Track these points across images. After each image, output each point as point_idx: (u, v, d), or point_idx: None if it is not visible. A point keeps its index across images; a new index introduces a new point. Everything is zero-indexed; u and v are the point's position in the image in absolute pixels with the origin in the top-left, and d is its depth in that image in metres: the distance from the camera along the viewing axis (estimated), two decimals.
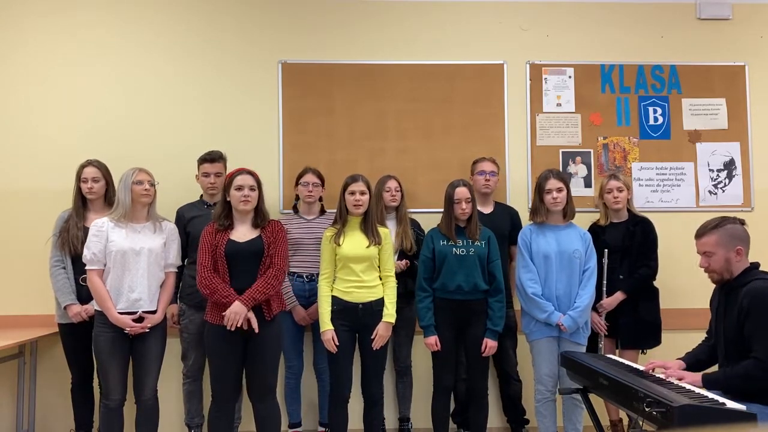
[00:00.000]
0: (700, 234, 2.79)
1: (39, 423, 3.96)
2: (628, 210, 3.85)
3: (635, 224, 3.78)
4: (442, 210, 3.48)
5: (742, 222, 2.77)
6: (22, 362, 3.86)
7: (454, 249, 3.40)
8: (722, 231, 2.73)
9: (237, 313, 3.02)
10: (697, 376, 2.64)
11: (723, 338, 2.73)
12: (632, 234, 3.75)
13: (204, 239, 3.17)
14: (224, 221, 3.17)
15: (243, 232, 3.18)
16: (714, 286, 2.86)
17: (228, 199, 3.18)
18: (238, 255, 3.11)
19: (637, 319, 3.69)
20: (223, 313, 3.04)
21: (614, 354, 3.62)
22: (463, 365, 3.62)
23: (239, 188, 3.14)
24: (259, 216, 3.21)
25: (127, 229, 3.22)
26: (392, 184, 3.83)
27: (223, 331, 3.07)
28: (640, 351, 3.74)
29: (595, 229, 3.82)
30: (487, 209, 3.93)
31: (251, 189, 3.16)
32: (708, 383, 2.59)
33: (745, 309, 2.60)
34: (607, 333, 3.69)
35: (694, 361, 2.87)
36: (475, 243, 3.41)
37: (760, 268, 2.75)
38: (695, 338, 3.02)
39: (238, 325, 3.03)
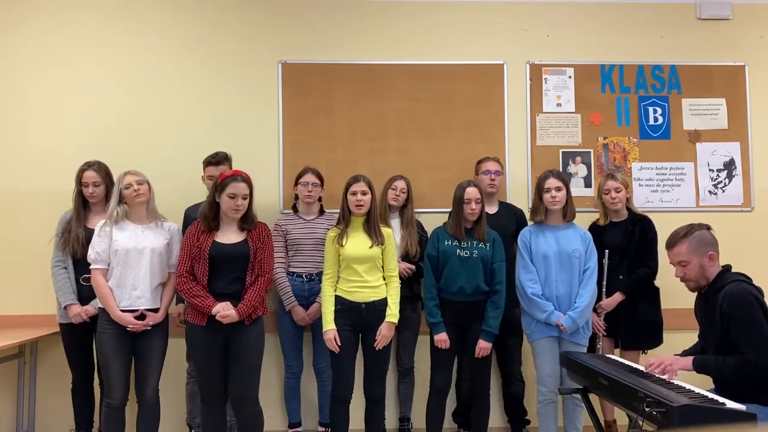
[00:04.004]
0: (671, 244, 2.80)
1: (39, 423, 3.96)
2: (628, 209, 3.83)
3: (634, 223, 3.76)
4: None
5: (708, 228, 2.79)
6: (22, 362, 3.86)
7: (458, 250, 3.39)
8: (693, 238, 2.74)
9: (229, 317, 3.07)
10: (688, 359, 2.66)
11: (712, 344, 2.75)
12: (631, 233, 3.74)
13: (186, 241, 3.18)
14: (212, 223, 3.18)
15: (228, 235, 3.18)
16: (694, 295, 2.87)
17: (217, 200, 3.17)
18: (222, 257, 3.12)
19: (637, 319, 3.68)
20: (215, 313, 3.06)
21: (613, 354, 3.61)
22: (466, 366, 3.61)
23: (232, 196, 3.13)
24: (247, 220, 3.21)
25: (131, 229, 3.25)
26: (399, 183, 3.80)
27: (204, 330, 3.11)
28: (641, 351, 3.73)
29: (595, 229, 3.81)
30: (492, 209, 3.92)
31: (244, 198, 3.16)
32: (699, 366, 2.62)
33: (727, 314, 2.62)
34: (605, 333, 3.68)
35: None
36: (480, 245, 3.41)
37: (740, 270, 2.77)
38: (695, 338, 3.01)
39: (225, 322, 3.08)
